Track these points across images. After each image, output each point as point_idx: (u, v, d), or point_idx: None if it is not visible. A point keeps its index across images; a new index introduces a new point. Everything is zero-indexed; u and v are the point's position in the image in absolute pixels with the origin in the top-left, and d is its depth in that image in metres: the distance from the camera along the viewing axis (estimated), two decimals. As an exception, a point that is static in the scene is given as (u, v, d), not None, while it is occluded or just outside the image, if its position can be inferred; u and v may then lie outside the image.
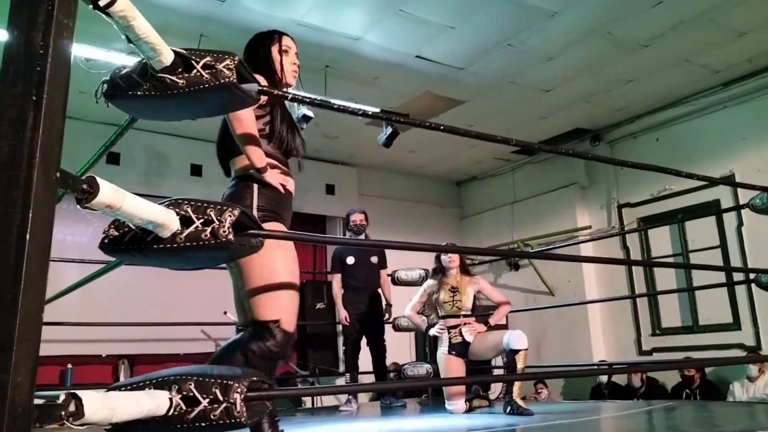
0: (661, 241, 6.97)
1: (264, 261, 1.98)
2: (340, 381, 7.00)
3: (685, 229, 6.76)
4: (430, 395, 5.75)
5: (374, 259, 5.31)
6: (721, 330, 6.27)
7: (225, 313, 6.51)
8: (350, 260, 5.21)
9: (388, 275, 5.42)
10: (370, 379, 5.69)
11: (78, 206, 1.01)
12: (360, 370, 5.15)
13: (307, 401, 6.45)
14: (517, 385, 3.84)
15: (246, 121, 2.03)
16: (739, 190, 6.11)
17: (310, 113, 5.19)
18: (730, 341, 6.15)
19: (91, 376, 6.00)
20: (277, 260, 2.03)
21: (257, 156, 2.06)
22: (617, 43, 5.41)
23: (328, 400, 6.62)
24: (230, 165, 2.26)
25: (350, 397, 5.05)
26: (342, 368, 7.17)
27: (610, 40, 5.35)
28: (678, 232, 6.80)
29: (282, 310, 2.03)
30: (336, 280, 5.23)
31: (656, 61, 5.77)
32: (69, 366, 5.90)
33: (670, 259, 6.84)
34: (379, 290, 5.35)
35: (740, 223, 6.22)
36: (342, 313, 5.09)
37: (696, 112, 6.67)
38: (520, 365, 3.83)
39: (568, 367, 6.00)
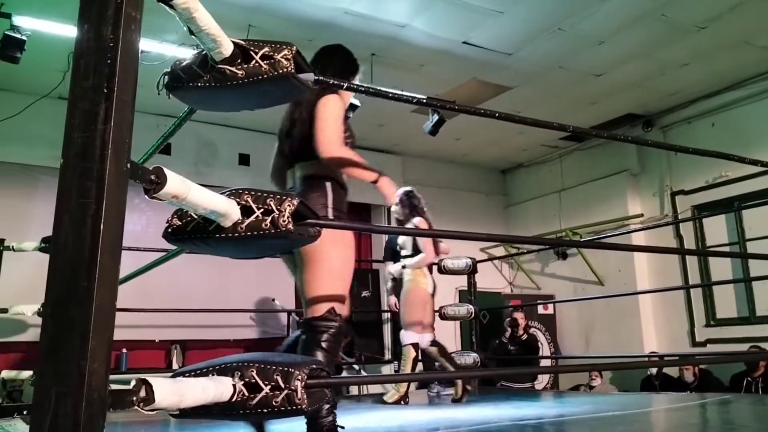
0: (717, 229, 6.73)
1: (330, 264, 2.09)
2: (386, 369, 7.03)
3: (742, 217, 6.51)
4: (477, 384, 5.72)
5: None
6: (779, 322, 6.05)
7: (273, 300, 6.63)
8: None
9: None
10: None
11: (146, 196, 1.03)
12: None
13: (353, 389, 6.51)
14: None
15: (351, 157, 2.24)
16: (801, 177, 5.85)
17: (357, 102, 5.18)
18: (789, 333, 5.93)
19: (145, 360, 6.18)
20: (338, 262, 2.13)
21: (370, 175, 2.35)
22: (672, 26, 5.22)
23: (374, 388, 6.66)
24: (303, 163, 2.32)
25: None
26: (387, 356, 7.21)
27: (664, 22, 5.17)
28: (735, 221, 6.56)
29: (334, 300, 2.12)
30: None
31: (713, 43, 5.55)
32: (124, 350, 6.09)
33: (726, 249, 6.61)
34: None
35: (802, 211, 5.96)
36: (392, 300, 5.13)
37: (754, 96, 6.40)
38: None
39: (617, 358, 5.87)
